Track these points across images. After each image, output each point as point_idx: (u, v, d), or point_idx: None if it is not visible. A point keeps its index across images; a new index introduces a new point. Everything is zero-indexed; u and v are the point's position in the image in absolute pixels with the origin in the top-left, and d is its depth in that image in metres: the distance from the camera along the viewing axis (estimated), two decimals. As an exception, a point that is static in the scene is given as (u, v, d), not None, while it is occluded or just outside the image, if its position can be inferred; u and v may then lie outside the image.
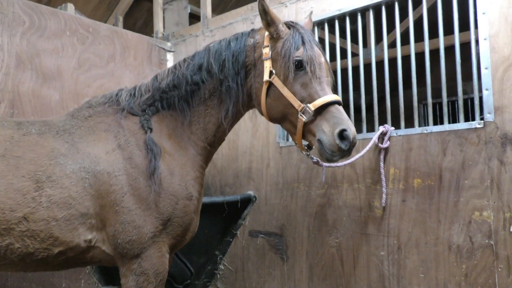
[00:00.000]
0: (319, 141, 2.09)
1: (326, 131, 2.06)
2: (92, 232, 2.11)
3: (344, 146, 2.02)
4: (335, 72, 2.38)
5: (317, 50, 2.22)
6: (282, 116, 2.24)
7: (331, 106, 2.11)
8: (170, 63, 4.37)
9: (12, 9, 3.22)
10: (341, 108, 2.14)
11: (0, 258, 2.02)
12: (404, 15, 3.22)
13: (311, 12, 2.59)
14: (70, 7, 3.76)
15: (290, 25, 2.29)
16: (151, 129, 2.27)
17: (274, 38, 2.25)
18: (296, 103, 2.13)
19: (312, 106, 2.09)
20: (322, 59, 2.24)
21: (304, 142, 2.29)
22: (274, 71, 2.20)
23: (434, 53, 2.98)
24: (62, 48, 3.48)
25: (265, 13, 2.21)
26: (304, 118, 2.11)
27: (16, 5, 3.24)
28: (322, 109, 2.10)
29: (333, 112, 2.09)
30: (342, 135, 2.03)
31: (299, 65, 2.15)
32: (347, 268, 3.08)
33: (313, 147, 2.25)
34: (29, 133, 2.17)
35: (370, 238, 2.98)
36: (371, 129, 3.17)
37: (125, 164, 2.16)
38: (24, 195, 2.00)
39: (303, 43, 2.18)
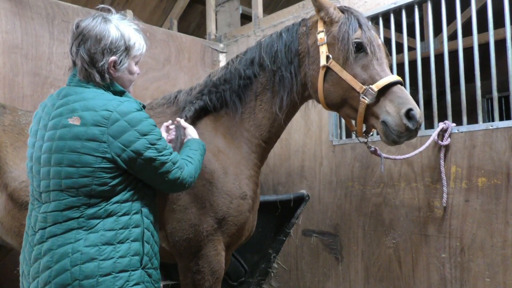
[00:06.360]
0: (384, 122, 2.02)
1: (391, 112, 1.99)
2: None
3: (412, 126, 1.95)
4: (391, 67, 2.30)
5: (373, 32, 2.18)
6: (341, 100, 2.18)
7: (394, 86, 2.05)
8: (222, 64, 4.44)
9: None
10: (403, 88, 2.08)
11: None
12: (465, 5, 3.05)
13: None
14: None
15: (343, 9, 2.25)
16: (187, 117, 2.27)
17: (327, 22, 2.21)
18: (358, 86, 2.07)
19: (375, 87, 2.02)
20: (379, 41, 2.20)
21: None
22: (331, 56, 2.16)
23: (499, 43, 2.80)
24: (122, 53, 3.65)
25: None
26: (367, 100, 2.04)
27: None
28: (385, 90, 2.03)
29: (396, 92, 2.03)
30: (409, 114, 1.96)
31: (359, 47, 2.11)
32: (406, 270, 2.97)
33: (371, 133, 2.22)
34: None
35: (430, 239, 2.86)
36: (429, 126, 3.03)
37: None
38: None
39: (360, 25, 2.14)
